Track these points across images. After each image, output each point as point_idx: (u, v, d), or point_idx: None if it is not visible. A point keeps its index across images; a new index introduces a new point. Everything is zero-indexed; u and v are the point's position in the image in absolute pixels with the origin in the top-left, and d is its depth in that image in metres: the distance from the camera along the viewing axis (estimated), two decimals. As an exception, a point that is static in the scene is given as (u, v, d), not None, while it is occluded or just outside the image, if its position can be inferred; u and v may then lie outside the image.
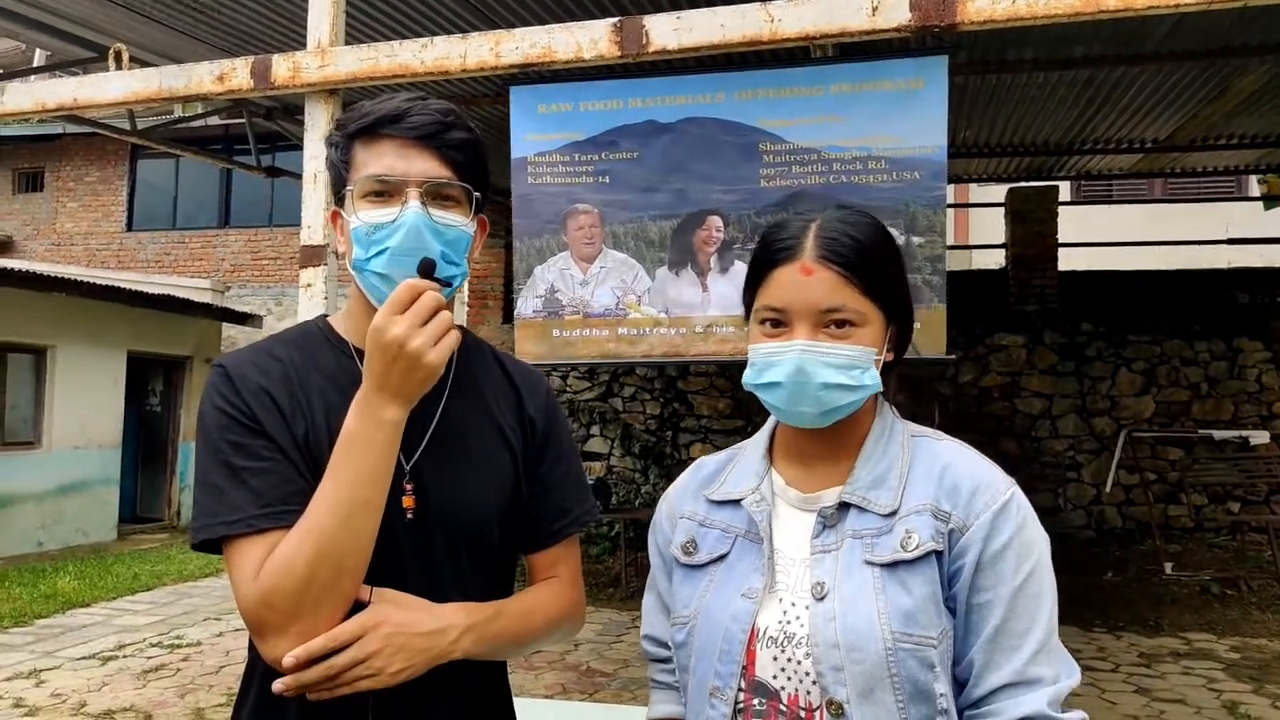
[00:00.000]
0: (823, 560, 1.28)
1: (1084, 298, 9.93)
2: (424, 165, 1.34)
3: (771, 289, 1.30)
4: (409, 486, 1.35)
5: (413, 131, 1.34)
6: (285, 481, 1.28)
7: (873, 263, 1.30)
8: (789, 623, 1.27)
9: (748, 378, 1.33)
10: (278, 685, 1.23)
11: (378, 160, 1.34)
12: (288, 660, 1.21)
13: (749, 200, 4.81)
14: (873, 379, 1.29)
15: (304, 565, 1.21)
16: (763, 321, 1.32)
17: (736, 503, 1.38)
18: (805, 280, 1.27)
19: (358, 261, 1.35)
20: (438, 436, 1.39)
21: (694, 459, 1.56)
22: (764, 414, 1.41)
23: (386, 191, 1.33)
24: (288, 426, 1.32)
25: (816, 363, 1.26)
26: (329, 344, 1.43)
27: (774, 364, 1.29)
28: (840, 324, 1.27)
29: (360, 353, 1.37)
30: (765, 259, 1.33)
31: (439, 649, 1.28)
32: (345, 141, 1.38)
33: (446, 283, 1.32)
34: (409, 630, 1.27)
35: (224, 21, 6.09)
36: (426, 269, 1.29)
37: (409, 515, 1.34)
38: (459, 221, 1.36)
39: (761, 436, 1.44)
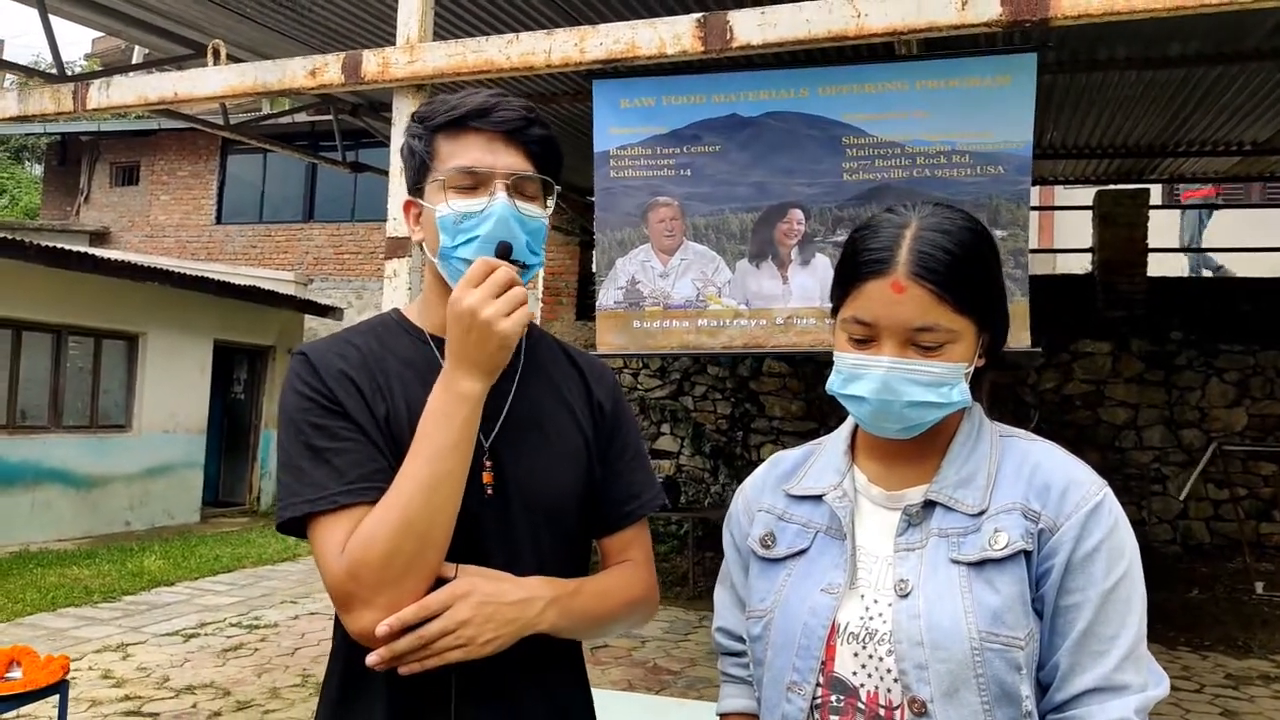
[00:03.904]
0: (907, 558, 1.25)
1: (1174, 305, 9.62)
2: (510, 159, 1.39)
3: (860, 301, 1.26)
4: (488, 464, 1.37)
5: (500, 126, 1.39)
6: (367, 460, 1.31)
7: (968, 277, 1.24)
8: (871, 619, 1.24)
9: (833, 384, 1.30)
10: (371, 659, 1.25)
11: (465, 153, 1.39)
12: (381, 629, 1.23)
13: (831, 193, 4.78)
14: (961, 394, 1.25)
15: (388, 538, 1.23)
16: (849, 331, 1.28)
17: (817, 498, 1.36)
18: (896, 298, 1.23)
19: (445, 249, 1.38)
20: (512, 417, 1.41)
21: (764, 460, 1.54)
22: (836, 417, 1.39)
23: (474, 184, 1.38)
24: (368, 408, 1.35)
25: (904, 380, 1.23)
26: (405, 333, 1.46)
27: (860, 377, 1.26)
28: (930, 340, 1.23)
29: (436, 340, 1.41)
30: (855, 268, 1.28)
31: (526, 619, 1.31)
32: (428, 134, 1.42)
33: (524, 266, 1.37)
34: (497, 599, 1.29)
35: (316, 20, 6.23)
36: (504, 252, 1.35)
37: (489, 491, 1.36)
38: (539, 213, 1.42)
39: (843, 432, 1.42)
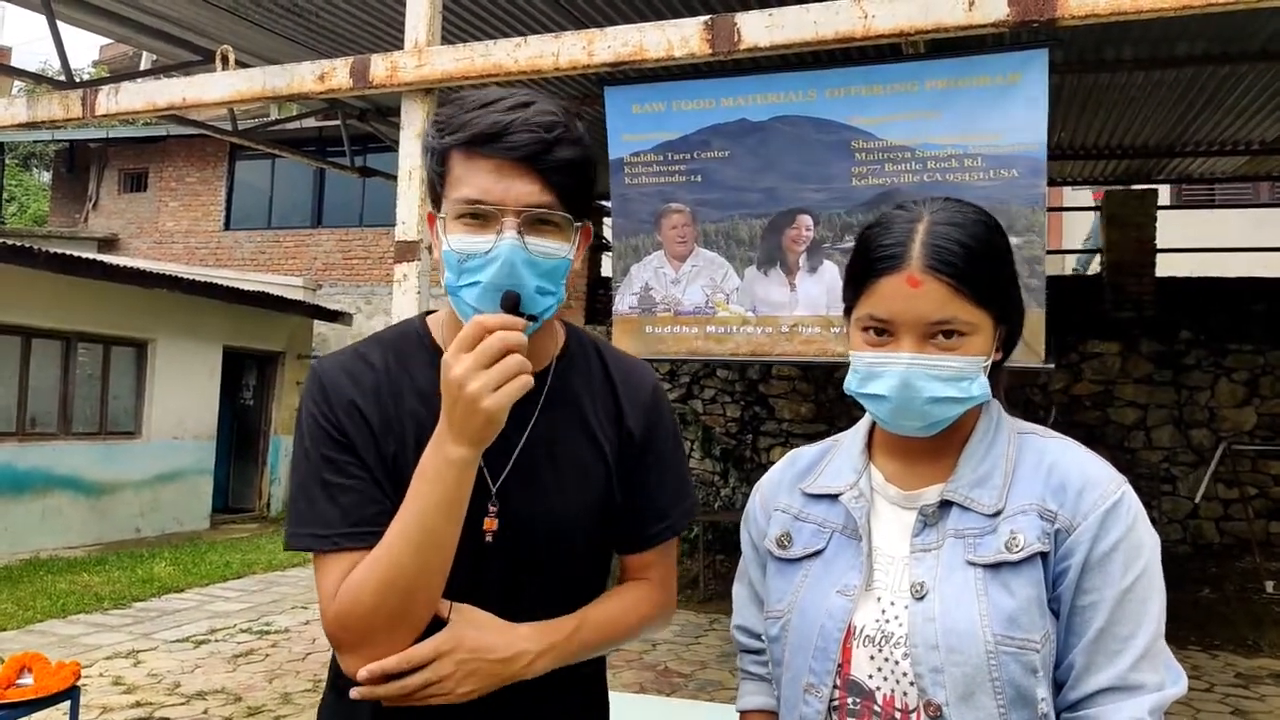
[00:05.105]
0: (923, 559, 1.24)
1: (1183, 305, 9.59)
2: (523, 189, 1.24)
3: (875, 298, 1.24)
4: (494, 509, 1.33)
5: (513, 153, 1.23)
6: (371, 502, 1.29)
7: (984, 269, 1.23)
8: (887, 622, 1.24)
9: (850, 384, 1.29)
10: (354, 693, 1.26)
11: (473, 180, 1.25)
12: (362, 674, 1.23)
13: (840, 199, 4.77)
14: (981, 388, 1.24)
15: (371, 594, 1.23)
16: (865, 329, 1.26)
17: (833, 497, 1.35)
18: (912, 292, 1.21)
19: (450, 284, 1.28)
20: (526, 454, 1.36)
21: (774, 463, 1.52)
22: (846, 419, 1.37)
23: (482, 215, 1.24)
24: (376, 445, 1.32)
25: (924, 375, 1.22)
26: (425, 352, 1.39)
27: (879, 375, 1.24)
28: (948, 334, 1.22)
29: None
30: (868, 265, 1.26)
31: (510, 673, 1.29)
32: (443, 149, 1.29)
33: (533, 317, 1.25)
34: (482, 656, 1.27)
35: (323, 25, 6.25)
36: (511, 304, 1.23)
37: (488, 538, 1.33)
38: (558, 249, 1.27)
39: (860, 430, 1.40)
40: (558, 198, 1.26)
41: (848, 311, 1.32)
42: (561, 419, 1.40)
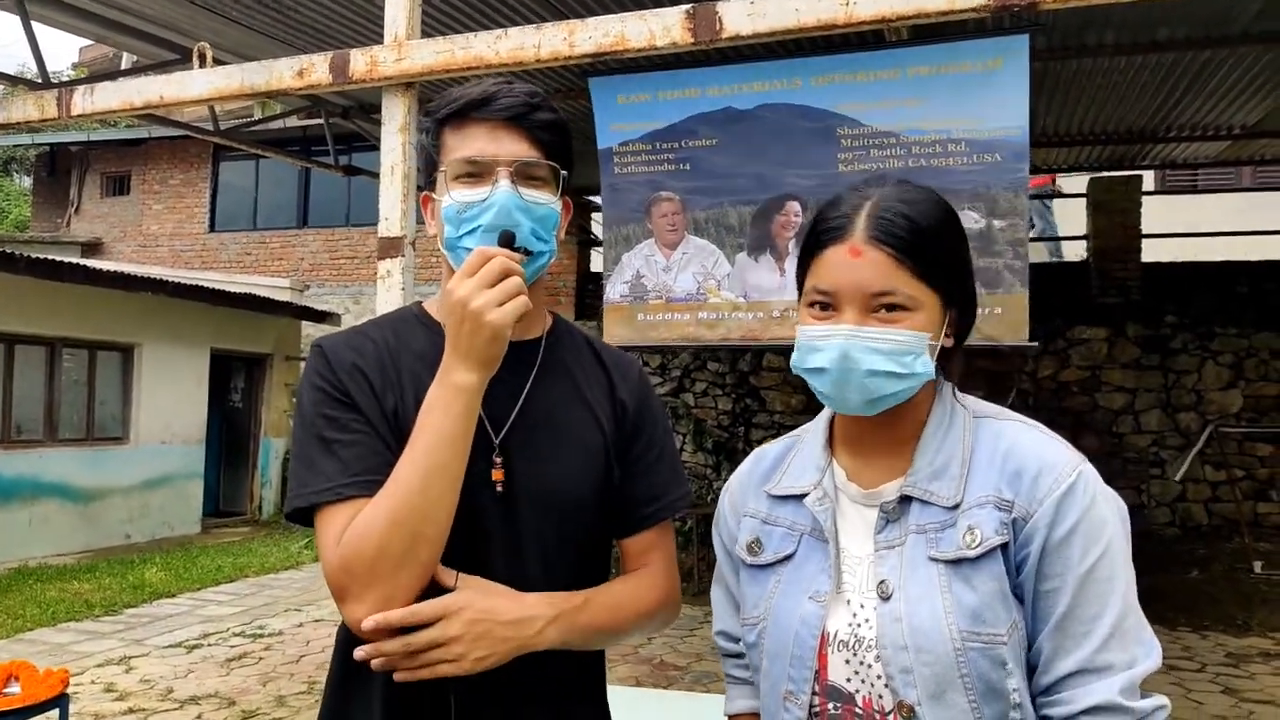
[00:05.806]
0: (886, 557, 1.24)
1: (1168, 290, 9.65)
2: (513, 146, 1.37)
3: (820, 270, 1.25)
4: (498, 460, 1.35)
5: (502, 114, 1.38)
6: (373, 453, 1.30)
7: (929, 244, 1.22)
8: (859, 625, 1.23)
9: (795, 360, 1.28)
10: (359, 653, 1.24)
11: (468, 143, 1.38)
12: (366, 623, 1.22)
13: (827, 185, 4.78)
14: (924, 366, 1.22)
15: (380, 530, 1.22)
16: (811, 304, 1.26)
17: (799, 498, 1.34)
18: (854, 262, 1.21)
19: (449, 239, 1.38)
20: (525, 415, 1.39)
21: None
22: (837, 411, 1.36)
23: (478, 173, 1.37)
24: (378, 401, 1.35)
25: (863, 348, 1.20)
26: (422, 326, 1.46)
27: (819, 348, 1.23)
28: (890, 308, 1.21)
29: None
30: (815, 238, 1.27)
31: (522, 639, 1.28)
32: (435, 127, 1.42)
33: (528, 252, 1.35)
34: (492, 618, 1.26)
35: (302, 21, 6.22)
36: (506, 240, 1.33)
37: (499, 488, 1.35)
38: (547, 200, 1.39)
39: (821, 423, 1.39)
40: (543, 154, 1.40)
41: (800, 293, 1.31)
42: (557, 387, 1.45)
